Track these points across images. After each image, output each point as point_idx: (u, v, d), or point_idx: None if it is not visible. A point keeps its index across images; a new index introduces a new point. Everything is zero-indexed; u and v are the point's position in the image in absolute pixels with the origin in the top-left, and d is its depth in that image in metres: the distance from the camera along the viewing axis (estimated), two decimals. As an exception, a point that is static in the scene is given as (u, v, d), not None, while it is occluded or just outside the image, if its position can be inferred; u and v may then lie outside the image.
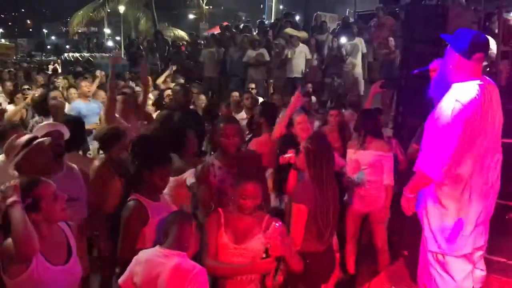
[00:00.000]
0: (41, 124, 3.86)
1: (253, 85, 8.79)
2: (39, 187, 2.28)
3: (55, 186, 2.35)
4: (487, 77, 3.20)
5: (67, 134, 3.61)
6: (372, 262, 4.60)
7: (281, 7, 28.36)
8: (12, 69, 13.37)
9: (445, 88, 3.15)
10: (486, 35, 3.23)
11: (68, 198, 2.45)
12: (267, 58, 10.59)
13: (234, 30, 13.66)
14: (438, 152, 2.96)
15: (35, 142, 3.05)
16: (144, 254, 2.59)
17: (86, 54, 15.81)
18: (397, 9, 11.03)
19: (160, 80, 9.34)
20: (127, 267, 2.63)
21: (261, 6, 39.78)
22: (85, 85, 7.34)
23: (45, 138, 3.17)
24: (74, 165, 3.63)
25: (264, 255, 2.68)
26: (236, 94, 7.31)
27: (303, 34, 11.67)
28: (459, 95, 2.99)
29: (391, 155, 4.50)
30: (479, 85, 3.03)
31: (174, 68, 10.31)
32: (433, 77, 3.38)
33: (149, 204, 3.01)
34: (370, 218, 4.60)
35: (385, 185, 4.42)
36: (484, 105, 3.01)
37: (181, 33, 26.74)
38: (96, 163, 3.89)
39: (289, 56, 10.29)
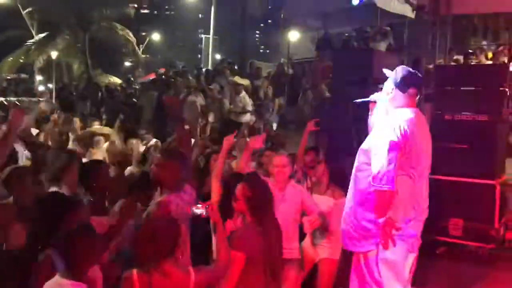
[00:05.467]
0: None
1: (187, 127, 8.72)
2: None
3: None
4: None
5: None
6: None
7: (217, 56, 28.96)
8: None
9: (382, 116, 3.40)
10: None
11: None
12: (202, 102, 10.63)
13: (171, 75, 13.70)
14: (383, 167, 3.05)
15: None
16: (45, 285, 2.41)
17: (12, 99, 15.08)
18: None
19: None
20: None
21: (199, 55, 40.53)
22: None
23: None
24: None
25: None
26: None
27: (246, 82, 11.87)
28: (397, 116, 3.21)
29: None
30: (413, 111, 3.27)
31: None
32: (372, 107, 3.58)
33: None
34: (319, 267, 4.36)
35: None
36: (418, 128, 3.21)
37: (116, 79, 26.40)
38: None
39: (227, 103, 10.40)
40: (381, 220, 3.12)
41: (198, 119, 10.33)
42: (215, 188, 3.64)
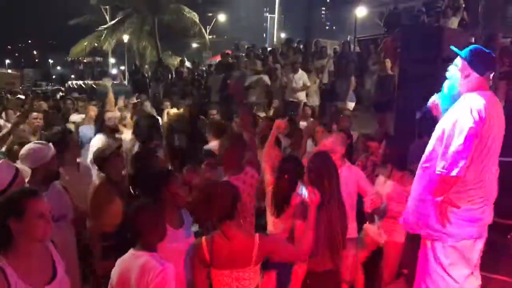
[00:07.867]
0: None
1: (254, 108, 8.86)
2: (29, 199, 2.22)
3: (46, 206, 2.28)
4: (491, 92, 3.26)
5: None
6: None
7: (282, 35, 28.78)
8: (20, 97, 13.47)
9: (454, 98, 3.24)
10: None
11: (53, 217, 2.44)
12: (268, 82, 10.66)
13: (236, 56, 13.84)
14: (457, 152, 2.97)
15: None
16: (119, 259, 2.63)
17: (89, 82, 15.99)
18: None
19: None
20: None
21: (264, 35, 40.45)
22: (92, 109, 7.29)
23: None
24: (57, 182, 3.63)
25: None
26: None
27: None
28: (473, 105, 3.04)
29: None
30: (488, 95, 3.12)
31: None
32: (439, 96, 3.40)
33: None
34: (384, 249, 4.41)
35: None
36: (493, 113, 3.08)
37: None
38: (96, 182, 3.87)
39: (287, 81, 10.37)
40: (438, 198, 3.08)
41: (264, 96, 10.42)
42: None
